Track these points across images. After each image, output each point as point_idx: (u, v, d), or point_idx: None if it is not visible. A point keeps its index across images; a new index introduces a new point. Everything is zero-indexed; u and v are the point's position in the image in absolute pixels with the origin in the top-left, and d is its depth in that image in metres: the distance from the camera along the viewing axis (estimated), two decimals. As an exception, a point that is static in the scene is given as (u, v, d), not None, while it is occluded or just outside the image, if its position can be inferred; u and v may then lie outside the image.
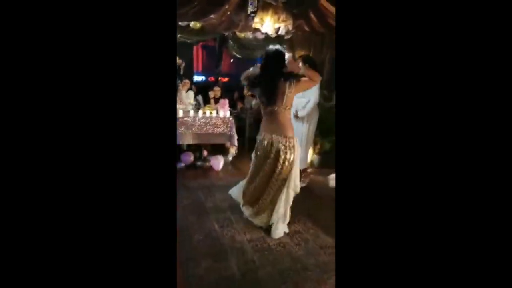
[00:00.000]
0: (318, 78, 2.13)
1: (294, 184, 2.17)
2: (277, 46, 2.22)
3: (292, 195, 2.20)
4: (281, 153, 2.09)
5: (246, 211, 2.33)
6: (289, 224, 2.28)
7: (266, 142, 2.16)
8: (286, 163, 2.10)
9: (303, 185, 3.03)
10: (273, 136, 2.12)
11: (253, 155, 2.31)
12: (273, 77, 2.07)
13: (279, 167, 2.11)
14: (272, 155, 2.13)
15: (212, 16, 3.23)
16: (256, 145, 2.28)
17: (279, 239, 2.13)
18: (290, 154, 2.10)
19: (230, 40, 6.22)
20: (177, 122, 3.46)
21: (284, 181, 2.14)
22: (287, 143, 2.09)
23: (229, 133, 3.82)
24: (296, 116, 3.07)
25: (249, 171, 2.34)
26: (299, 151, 2.19)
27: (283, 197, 2.16)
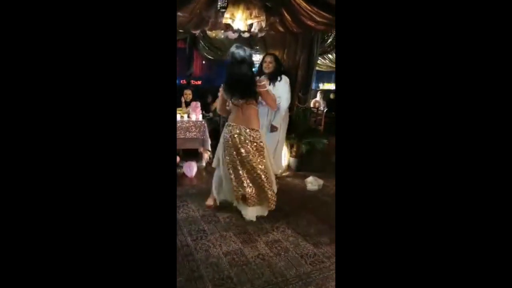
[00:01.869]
0: (272, 104, 2.37)
1: (274, 164, 2.44)
2: (240, 50, 2.17)
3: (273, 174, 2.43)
4: (252, 143, 2.24)
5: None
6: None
7: (234, 132, 2.25)
8: (261, 150, 2.27)
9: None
10: (241, 127, 2.24)
11: (220, 147, 2.38)
12: (240, 77, 2.18)
13: (256, 155, 2.26)
14: (242, 146, 2.24)
15: (179, 13, 3.03)
16: (223, 136, 2.34)
17: (257, 250, 2.00)
18: (260, 142, 2.27)
19: (200, 41, 6.00)
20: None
21: (264, 165, 2.30)
22: (255, 134, 2.25)
23: (202, 137, 3.64)
24: (273, 129, 2.99)
25: (220, 163, 2.40)
26: (266, 140, 2.38)
27: (270, 174, 2.36)
